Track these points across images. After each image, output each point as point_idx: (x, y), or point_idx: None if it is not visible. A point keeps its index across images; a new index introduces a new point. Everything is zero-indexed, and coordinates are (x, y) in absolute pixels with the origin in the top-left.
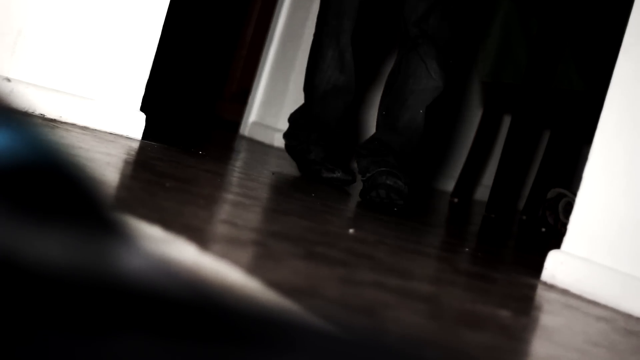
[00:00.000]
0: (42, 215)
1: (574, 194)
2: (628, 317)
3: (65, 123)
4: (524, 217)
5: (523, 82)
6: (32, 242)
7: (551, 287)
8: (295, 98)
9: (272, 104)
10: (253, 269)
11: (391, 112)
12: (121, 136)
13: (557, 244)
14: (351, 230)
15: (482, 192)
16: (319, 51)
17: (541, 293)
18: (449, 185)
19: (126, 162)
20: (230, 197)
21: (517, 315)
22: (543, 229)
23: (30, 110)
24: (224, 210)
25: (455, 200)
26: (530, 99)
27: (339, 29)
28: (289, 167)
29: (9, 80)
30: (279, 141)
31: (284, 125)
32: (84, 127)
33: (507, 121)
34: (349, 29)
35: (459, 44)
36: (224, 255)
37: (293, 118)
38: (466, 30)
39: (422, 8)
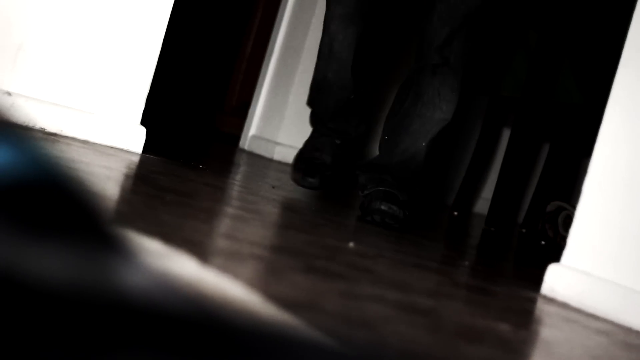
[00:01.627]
0: (43, 231)
1: (574, 207)
2: (628, 330)
3: (65, 137)
4: (524, 230)
5: (522, 95)
6: (32, 258)
7: (551, 300)
8: (295, 111)
9: (272, 117)
10: (253, 283)
11: (393, 136)
12: (121, 150)
13: (556, 257)
14: (351, 244)
15: (482, 205)
16: (322, 40)
17: (541, 306)
18: (449, 198)
19: (126, 176)
20: (230, 210)
21: (517, 329)
22: (542, 242)
23: (30, 124)
24: (224, 224)
25: (455, 213)
26: (529, 112)
27: (328, 15)
28: (289, 181)
29: (9, 94)
30: (279, 154)
31: (284, 139)
32: (84, 141)
33: (506, 134)
34: (339, 15)
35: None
36: (224, 270)
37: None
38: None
39: (445, 32)
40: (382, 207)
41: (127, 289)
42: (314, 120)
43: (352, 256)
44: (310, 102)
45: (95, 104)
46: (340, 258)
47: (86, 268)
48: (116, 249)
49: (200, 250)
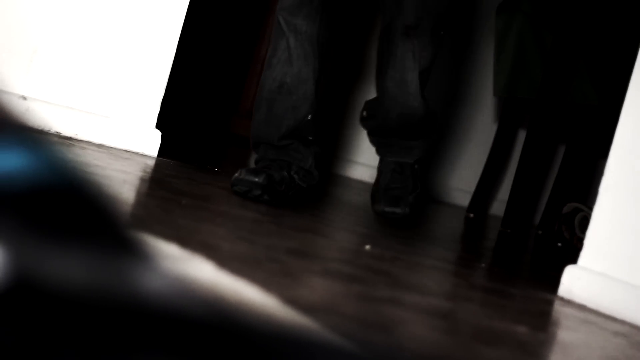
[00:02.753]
0: (61, 235)
1: (590, 209)
2: None
3: (80, 141)
4: (540, 232)
5: (538, 96)
6: (50, 262)
7: (568, 302)
8: None
9: None
10: (270, 287)
11: (383, 99)
12: (137, 153)
13: (573, 259)
14: (367, 247)
15: (498, 207)
16: (273, 45)
17: (558, 308)
18: (465, 200)
19: (142, 180)
20: (246, 214)
21: (534, 331)
22: (559, 244)
23: (45, 129)
24: (241, 228)
25: (471, 215)
26: (545, 113)
27: (279, 7)
28: None
29: (24, 98)
30: None
31: None
32: (100, 144)
33: (522, 136)
34: (289, 6)
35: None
36: (241, 273)
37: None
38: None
39: None
40: (386, 209)
41: (145, 293)
42: (259, 156)
43: (369, 259)
44: (256, 129)
45: (111, 108)
46: (357, 261)
47: (105, 272)
48: (134, 252)
49: (216, 254)
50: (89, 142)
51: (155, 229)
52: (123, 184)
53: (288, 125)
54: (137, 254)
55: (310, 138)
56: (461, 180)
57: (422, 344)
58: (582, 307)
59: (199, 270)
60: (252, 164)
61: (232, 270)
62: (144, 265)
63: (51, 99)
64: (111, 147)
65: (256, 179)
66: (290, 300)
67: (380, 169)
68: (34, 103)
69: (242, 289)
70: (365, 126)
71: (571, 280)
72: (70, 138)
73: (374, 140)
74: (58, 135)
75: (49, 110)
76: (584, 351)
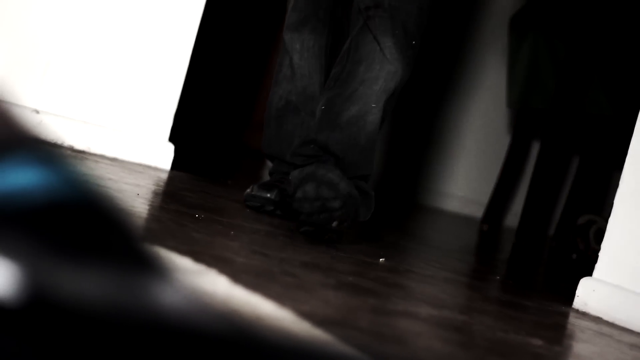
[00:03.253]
0: (75, 250)
1: (605, 220)
2: None
3: (93, 154)
4: (554, 244)
5: (551, 106)
6: (66, 278)
7: (583, 314)
8: None
9: None
10: (284, 300)
11: (333, 106)
12: (150, 167)
13: (588, 271)
14: (381, 260)
15: (512, 219)
16: (279, 62)
17: (573, 321)
18: (478, 211)
19: (155, 193)
20: (260, 227)
21: (550, 344)
22: (574, 256)
23: (58, 142)
24: (254, 241)
25: (485, 227)
26: (559, 124)
27: (285, 26)
28: None
29: (37, 112)
30: None
31: None
32: (113, 158)
33: (536, 147)
34: (293, 23)
35: (431, 22)
36: (255, 287)
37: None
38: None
39: None
40: (308, 190)
41: (160, 307)
42: (273, 168)
43: (383, 272)
44: (267, 145)
45: (123, 121)
46: (371, 274)
47: (120, 287)
48: (148, 267)
49: (230, 268)
50: (101, 156)
51: (168, 242)
52: (136, 197)
53: (299, 139)
54: (152, 268)
55: None
56: (475, 191)
57: (437, 356)
58: (597, 320)
59: (213, 284)
60: (266, 176)
61: (246, 284)
62: (158, 279)
63: (64, 113)
64: (124, 161)
65: (268, 195)
66: (304, 313)
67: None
68: (46, 117)
69: (256, 303)
70: None
71: (586, 293)
72: (83, 152)
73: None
74: (71, 149)
75: (62, 124)
76: None
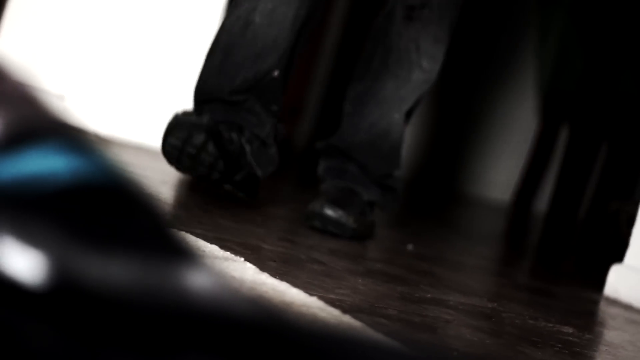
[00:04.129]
0: (103, 235)
1: (636, 205)
2: None
3: (118, 141)
4: (585, 230)
5: (581, 89)
6: (94, 263)
7: (614, 301)
8: None
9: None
10: (312, 288)
11: (358, 106)
12: None
13: (619, 258)
14: (410, 246)
15: (541, 204)
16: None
17: (604, 308)
18: (506, 196)
19: (181, 180)
20: (286, 214)
21: (580, 331)
22: (605, 242)
23: (84, 128)
24: (281, 228)
25: (514, 212)
26: (588, 107)
27: None
28: None
29: (62, 97)
30: None
31: None
32: (138, 145)
33: (564, 132)
34: None
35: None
36: (282, 274)
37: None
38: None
39: None
40: (326, 211)
41: (189, 292)
42: (200, 112)
43: (411, 259)
44: (202, 82)
45: (150, 108)
46: (399, 261)
47: (148, 272)
48: (177, 252)
49: (258, 255)
50: (127, 143)
51: (196, 229)
52: (162, 184)
53: (246, 76)
54: (180, 254)
55: (273, 106)
56: (503, 176)
57: (468, 344)
58: (628, 307)
59: (241, 272)
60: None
61: (273, 272)
62: (187, 265)
63: (89, 99)
64: (150, 148)
65: (198, 121)
66: (332, 301)
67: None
68: (71, 102)
69: (284, 290)
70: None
71: (617, 279)
72: (107, 138)
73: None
74: (95, 135)
75: (87, 110)
76: (631, 352)
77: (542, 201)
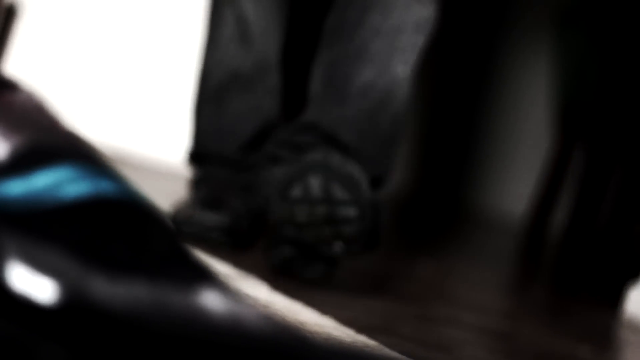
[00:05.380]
0: (121, 255)
1: None
2: None
3: (124, 161)
4: (603, 249)
5: (599, 101)
6: (110, 284)
7: (633, 321)
8: None
9: None
10: (326, 307)
11: (337, 70)
12: (175, 174)
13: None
14: (423, 265)
15: (558, 220)
16: (214, 15)
17: (622, 328)
18: (517, 209)
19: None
20: None
21: (598, 352)
22: (622, 261)
23: (96, 146)
24: None
25: (529, 228)
26: (607, 121)
27: None
28: None
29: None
30: None
31: None
32: (141, 165)
33: (582, 147)
34: None
35: None
36: (295, 294)
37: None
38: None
39: None
40: (312, 185)
41: (205, 309)
42: (203, 173)
43: (426, 277)
44: (201, 138)
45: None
46: (414, 279)
47: (167, 291)
48: (194, 270)
49: (270, 274)
50: (129, 163)
51: (207, 247)
52: (169, 203)
53: (254, 128)
54: (197, 272)
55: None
56: (516, 190)
57: None
58: None
59: (254, 290)
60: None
61: (286, 290)
62: (203, 282)
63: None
64: (157, 169)
65: (215, 218)
66: (346, 320)
67: None
68: (82, 119)
69: (298, 309)
70: None
71: (637, 299)
72: (113, 157)
73: None
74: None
75: (96, 127)
76: None
77: (559, 217)
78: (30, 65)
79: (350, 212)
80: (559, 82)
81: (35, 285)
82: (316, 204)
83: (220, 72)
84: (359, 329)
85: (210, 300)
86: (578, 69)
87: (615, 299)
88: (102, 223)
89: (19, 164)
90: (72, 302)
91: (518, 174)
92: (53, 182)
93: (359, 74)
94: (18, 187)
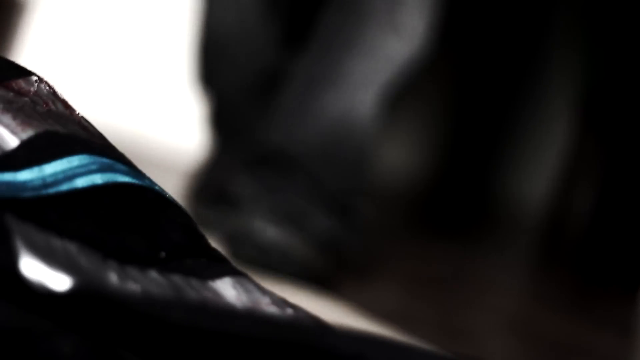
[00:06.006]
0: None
1: None
2: None
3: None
4: (625, 239)
5: (623, 94)
6: (126, 277)
7: None
8: None
9: None
10: (348, 294)
11: (306, 86)
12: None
13: None
14: (444, 251)
15: (580, 211)
16: None
17: None
18: (540, 199)
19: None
20: None
21: (620, 341)
22: None
23: (107, 138)
24: None
25: (553, 219)
26: (630, 116)
27: None
28: None
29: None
30: None
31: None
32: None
33: (602, 141)
34: None
35: None
36: (317, 279)
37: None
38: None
39: None
40: (267, 233)
41: (225, 301)
42: (218, 124)
43: (447, 265)
44: (207, 74)
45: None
46: (436, 267)
47: (184, 281)
48: (209, 260)
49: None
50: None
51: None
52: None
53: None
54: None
55: None
56: (539, 183)
57: (505, 353)
58: None
59: (272, 279)
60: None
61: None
62: (217, 272)
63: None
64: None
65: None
66: (368, 307)
67: None
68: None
69: (317, 298)
70: None
71: None
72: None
73: None
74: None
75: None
76: None
77: (582, 207)
78: (42, 58)
79: (299, 252)
80: (581, 75)
81: (50, 277)
82: (269, 252)
83: (220, 25)
84: (382, 316)
85: (227, 289)
86: (600, 61)
87: (637, 288)
88: (117, 212)
89: (34, 153)
90: (87, 291)
91: (539, 165)
92: (67, 171)
93: (324, 95)
94: (32, 175)
